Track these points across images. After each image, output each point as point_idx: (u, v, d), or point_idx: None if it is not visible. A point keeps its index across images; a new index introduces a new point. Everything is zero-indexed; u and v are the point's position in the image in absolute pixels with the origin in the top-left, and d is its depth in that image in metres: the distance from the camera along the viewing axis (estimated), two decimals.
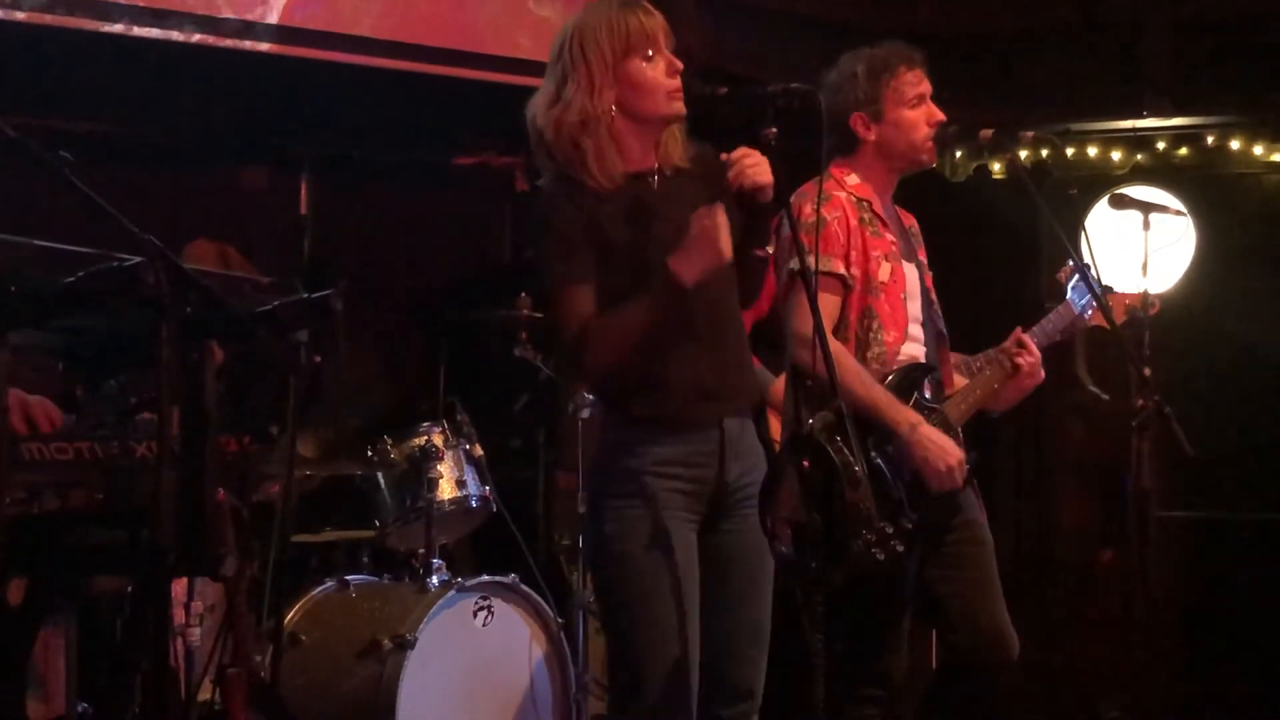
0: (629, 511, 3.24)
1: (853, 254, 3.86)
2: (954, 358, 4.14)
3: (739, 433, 3.33)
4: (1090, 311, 4.19)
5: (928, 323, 3.99)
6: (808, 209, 3.72)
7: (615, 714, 3.36)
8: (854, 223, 3.88)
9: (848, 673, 3.90)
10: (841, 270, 3.84)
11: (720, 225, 3.14)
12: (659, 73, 3.27)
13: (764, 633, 3.37)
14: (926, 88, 3.97)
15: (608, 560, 3.29)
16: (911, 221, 4.15)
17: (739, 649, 3.34)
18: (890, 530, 3.71)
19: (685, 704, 3.24)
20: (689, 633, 3.23)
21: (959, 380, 4.09)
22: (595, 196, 3.25)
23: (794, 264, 3.79)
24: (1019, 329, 4.07)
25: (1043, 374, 4.06)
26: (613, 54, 3.26)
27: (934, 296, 4.05)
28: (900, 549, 3.73)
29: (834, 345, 3.74)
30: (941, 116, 3.95)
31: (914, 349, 3.93)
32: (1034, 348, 4.03)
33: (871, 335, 3.85)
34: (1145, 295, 4.23)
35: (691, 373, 3.26)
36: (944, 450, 3.80)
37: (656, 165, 3.34)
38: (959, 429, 3.94)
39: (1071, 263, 4.15)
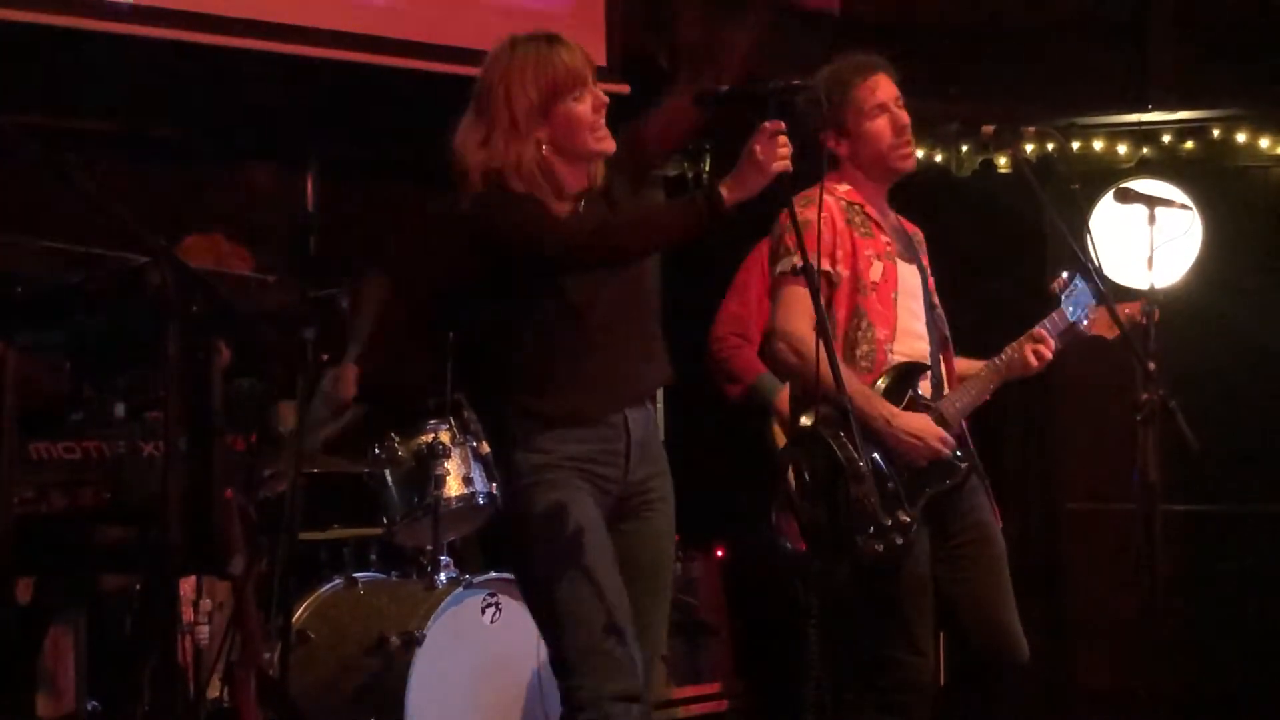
0: (555, 498, 3.26)
1: (839, 253, 3.88)
2: (969, 364, 4.12)
3: (644, 434, 3.38)
4: (1086, 322, 4.16)
5: (931, 326, 4.00)
6: (799, 209, 3.73)
7: (568, 695, 3.34)
8: (841, 224, 3.90)
9: (867, 675, 3.90)
10: (826, 267, 3.85)
11: (773, 146, 3.14)
12: (586, 109, 3.32)
13: (659, 638, 3.43)
14: (886, 93, 3.97)
15: (542, 548, 3.29)
16: (915, 231, 4.15)
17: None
18: (889, 523, 3.73)
19: (626, 674, 3.25)
20: (617, 601, 3.26)
21: (970, 367, 4.09)
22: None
23: (783, 264, 3.83)
24: (1039, 329, 4.06)
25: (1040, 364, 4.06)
26: (540, 96, 3.30)
27: (936, 301, 4.06)
28: (900, 541, 3.74)
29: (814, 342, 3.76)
30: (905, 120, 3.96)
31: (912, 346, 3.93)
32: (1051, 343, 4.03)
33: (860, 333, 3.87)
34: (1144, 305, 4.22)
35: (595, 367, 3.29)
36: (922, 437, 3.82)
37: (586, 188, 3.39)
38: (956, 426, 3.95)
39: (1065, 274, 4.14)
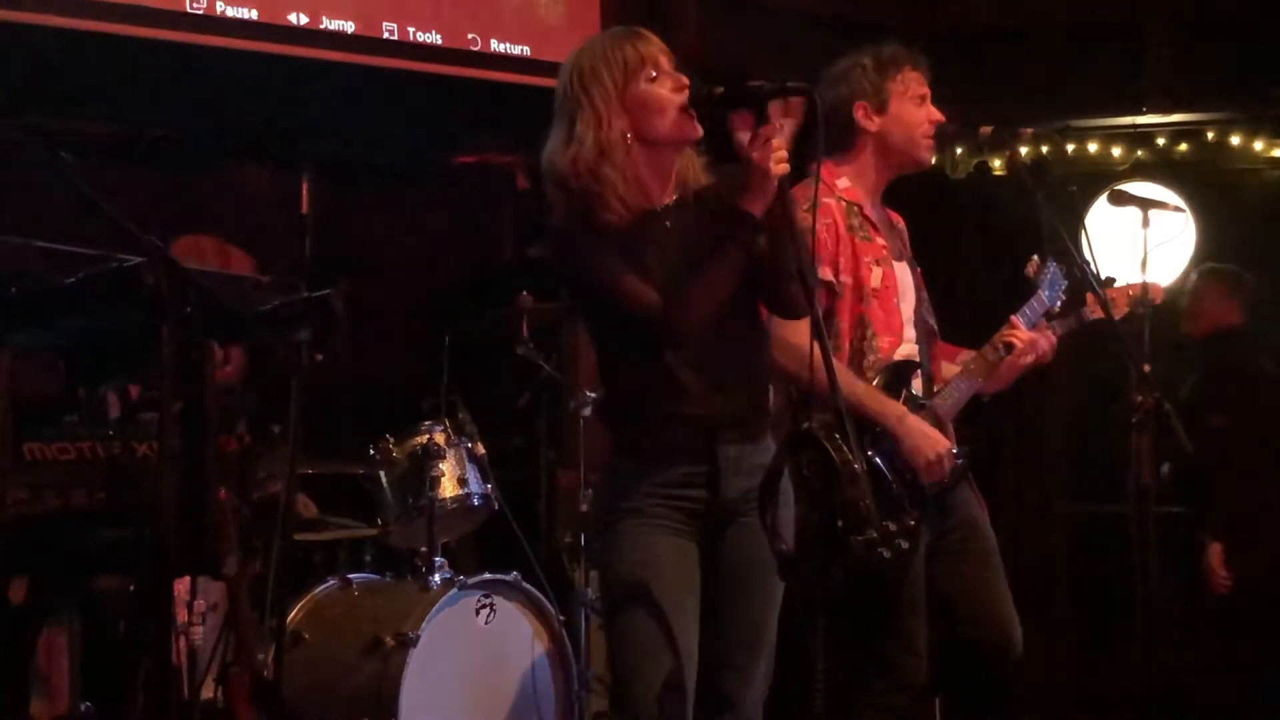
0: (624, 530, 3.26)
1: (841, 261, 3.87)
2: (958, 353, 4.14)
3: (739, 455, 3.30)
4: (1059, 303, 4.19)
5: (919, 321, 4.01)
6: (801, 215, 3.70)
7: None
8: (843, 230, 3.88)
9: (861, 676, 3.90)
10: (829, 277, 3.85)
11: (769, 151, 3.15)
12: (667, 90, 3.26)
13: (756, 642, 3.36)
14: (928, 91, 3.99)
15: (605, 578, 3.34)
16: (899, 220, 4.15)
17: (723, 655, 3.32)
18: (894, 528, 3.73)
19: (681, 715, 3.24)
20: (683, 644, 3.23)
21: (950, 372, 4.10)
22: (611, 230, 3.23)
23: None
24: (1012, 316, 4.08)
25: (1039, 352, 4.05)
26: (614, 83, 3.23)
27: (925, 294, 4.06)
28: (906, 545, 3.75)
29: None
30: (941, 118, 3.96)
31: (909, 349, 3.95)
32: (1024, 327, 4.03)
33: (866, 343, 3.87)
34: (1145, 285, 4.23)
35: (683, 404, 3.25)
36: (931, 439, 3.83)
37: (675, 198, 3.33)
38: (949, 423, 3.96)
39: (1037, 258, 4.15)
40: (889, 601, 3.85)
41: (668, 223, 3.30)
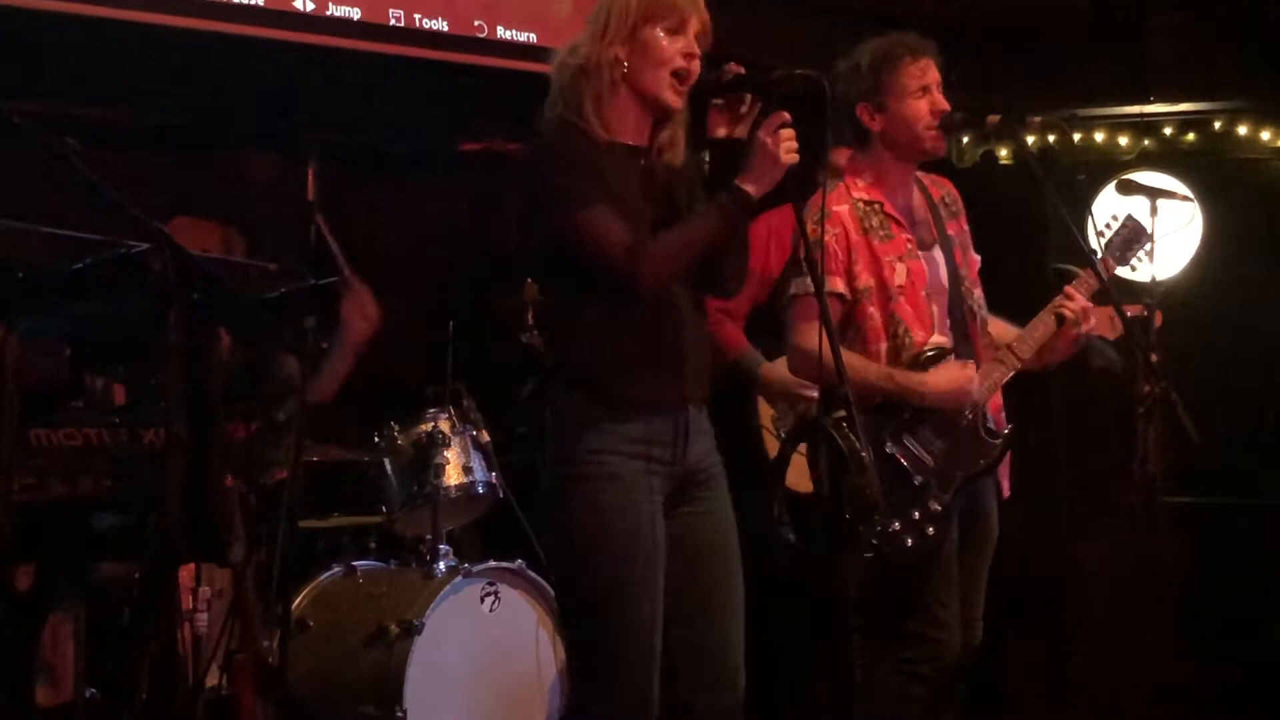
0: (596, 494, 3.20)
1: (857, 267, 3.87)
2: (998, 328, 4.11)
3: (697, 415, 3.34)
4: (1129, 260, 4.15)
5: (955, 304, 3.98)
6: (810, 226, 3.66)
7: (581, 704, 3.30)
8: (855, 237, 3.88)
9: (888, 650, 3.91)
10: (840, 289, 3.85)
11: (780, 139, 3.16)
12: (674, 49, 3.25)
13: (728, 644, 3.33)
14: (933, 78, 3.97)
15: (578, 547, 3.22)
16: (945, 189, 4.12)
17: (698, 658, 3.29)
18: (918, 516, 3.75)
19: (649, 693, 3.20)
20: (658, 620, 3.20)
21: (1005, 330, 4.07)
22: (594, 145, 3.23)
23: (797, 285, 3.82)
24: (1067, 287, 4.05)
25: (1093, 321, 4.03)
26: (635, 13, 3.23)
27: (964, 272, 4.03)
28: (932, 532, 3.77)
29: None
30: (946, 106, 3.95)
31: (942, 339, 3.94)
32: (1080, 297, 4.00)
33: (899, 340, 3.87)
34: (1146, 309, 4.21)
35: (660, 355, 3.25)
36: (955, 390, 3.84)
37: (648, 147, 3.31)
38: (985, 405, 3.94)
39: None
40: (920, 584, 3.85)
41: (643, 161, 3.30)
